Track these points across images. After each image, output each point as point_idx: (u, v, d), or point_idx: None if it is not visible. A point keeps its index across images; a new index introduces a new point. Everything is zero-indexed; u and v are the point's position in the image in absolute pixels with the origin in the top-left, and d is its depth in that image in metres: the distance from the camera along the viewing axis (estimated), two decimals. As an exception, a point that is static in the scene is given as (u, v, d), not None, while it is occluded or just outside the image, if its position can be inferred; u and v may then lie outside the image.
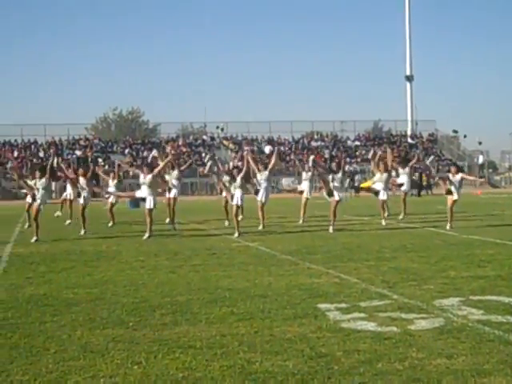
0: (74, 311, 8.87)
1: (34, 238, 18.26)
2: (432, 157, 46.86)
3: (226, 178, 20.64)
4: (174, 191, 22.63)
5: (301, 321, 8.08)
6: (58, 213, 26.58)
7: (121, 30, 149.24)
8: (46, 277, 11.91)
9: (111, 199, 23.18)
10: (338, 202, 19.79)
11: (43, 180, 19.04)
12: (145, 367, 6.34)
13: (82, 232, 20.16)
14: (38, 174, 19.26)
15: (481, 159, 71.27)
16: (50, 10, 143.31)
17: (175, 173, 23.10)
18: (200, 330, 7.71)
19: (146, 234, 18.56)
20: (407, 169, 24.75)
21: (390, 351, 6.70)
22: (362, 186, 23.41)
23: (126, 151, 68.37)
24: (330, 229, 19.59)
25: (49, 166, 19.50)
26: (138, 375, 6.10)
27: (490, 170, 73.28)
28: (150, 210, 18.76)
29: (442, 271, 11.69)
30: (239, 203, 19.20)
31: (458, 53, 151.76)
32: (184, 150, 69.71)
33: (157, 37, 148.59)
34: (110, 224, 22.91)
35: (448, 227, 19.56)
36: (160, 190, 21.53)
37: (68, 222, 24.03)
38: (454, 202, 20.00)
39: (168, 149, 28.64)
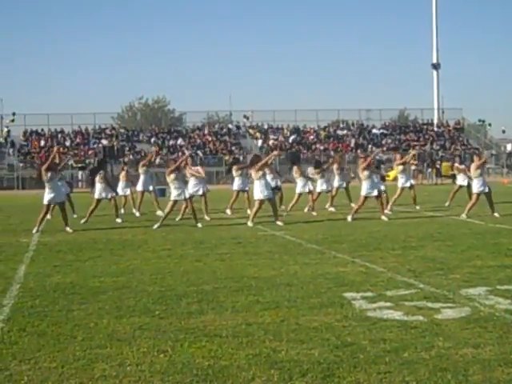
0: (101, 299, 8.92)
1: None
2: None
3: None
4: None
5: (327, 310, 8.08)
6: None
7: (146, 19, 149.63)
8: (73, 265, 11.99)
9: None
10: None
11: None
12: (171, 355, 6.37)
13: (119, 220, 20.65)
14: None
15: (509, 147, 70.71)
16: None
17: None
18: (226, 319, 7.73)
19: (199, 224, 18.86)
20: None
21: (417, 340, 6.68)
22: (388, 175, 23.27)
23: (152, 140, 68.59)
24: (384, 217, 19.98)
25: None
26: (165, 363, 6.13)
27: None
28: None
29: (469, 260, 11.63)
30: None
31: (484, 40, 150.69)
32: (209, 138, 69.82)
33: (182, 25, 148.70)
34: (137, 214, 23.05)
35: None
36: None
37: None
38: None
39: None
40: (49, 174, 18.03)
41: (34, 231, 17.61)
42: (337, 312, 7.96)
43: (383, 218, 19.66)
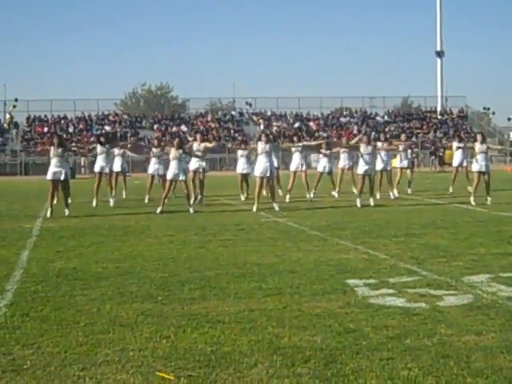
0: (104, 285, 8.93)
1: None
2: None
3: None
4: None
5: (329, 296, 8.09)
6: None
7: (150, 5, 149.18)
8: (76, 251, 11.99)
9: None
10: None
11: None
12: (173, 341, 6.38)
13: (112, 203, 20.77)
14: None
15: (512, 135, 70.60)
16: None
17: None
18: (228, 305, 7.74)
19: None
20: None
21: (419, 327, 6.69)
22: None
23: (155, 127, 68.59)
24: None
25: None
26: (167, 349, 6.14)
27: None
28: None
29: (472, 248, 11.63)
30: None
31: (488, 28, 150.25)
32: (213, 125, 69.76)
33: (185, 12, 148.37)
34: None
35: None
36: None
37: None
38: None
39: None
40: (59, 150, 18.15)
41: (48, 215, 17.80)
42: (339, 299, 7.96)
43: (377, 197, 19.83)
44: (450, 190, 25.06)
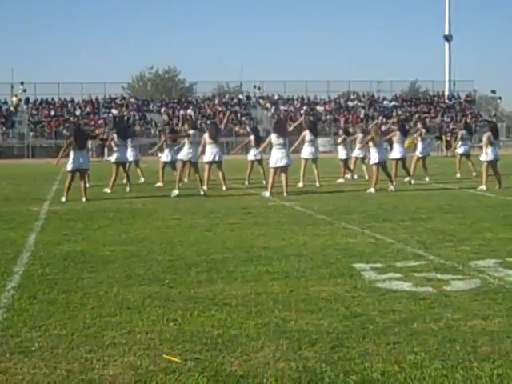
0: (111, 268, 8.95)
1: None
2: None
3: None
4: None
5: (336, 280, 8.09)
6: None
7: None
8: (83, 234, 12.01)
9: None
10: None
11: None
12: (180, 324, 6.39)
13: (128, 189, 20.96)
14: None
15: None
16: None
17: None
18: (235, 288, 7.74)
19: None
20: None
21: (426, 311, 6.69)
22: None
23: (162, 110, 68.58)
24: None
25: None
26: (174, 332, 6.15)
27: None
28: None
29: (479, 232, 11.61)
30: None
31: (497, 12, 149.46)
32: (220, 109, 69.69)
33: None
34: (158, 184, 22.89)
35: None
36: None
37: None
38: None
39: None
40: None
41: (84, 200, 17.71)
42: (346, 283, 7.96)
43: (391, 188, 19.64)
44: (458, 175, 25.07)
